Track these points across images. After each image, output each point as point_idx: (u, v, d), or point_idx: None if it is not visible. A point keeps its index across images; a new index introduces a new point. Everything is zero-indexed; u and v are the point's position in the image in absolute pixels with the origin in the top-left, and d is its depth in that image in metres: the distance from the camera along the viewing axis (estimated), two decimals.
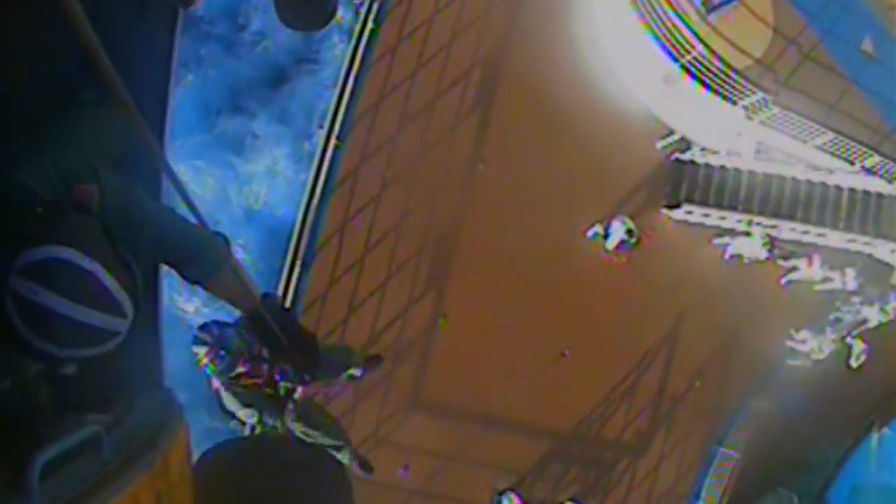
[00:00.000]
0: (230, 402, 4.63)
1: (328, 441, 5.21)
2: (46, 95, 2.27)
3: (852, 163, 9.95)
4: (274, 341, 2.98)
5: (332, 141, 9.61)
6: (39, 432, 1.66)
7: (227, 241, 2.52)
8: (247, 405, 4.63)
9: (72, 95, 2.27)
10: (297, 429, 4.95)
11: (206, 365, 4.48)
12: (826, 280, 10.57)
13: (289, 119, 13.04)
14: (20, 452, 1.52)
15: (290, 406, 4.59)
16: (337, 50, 12.46)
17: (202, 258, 2.39)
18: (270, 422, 4.68)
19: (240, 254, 11.63)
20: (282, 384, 4.46)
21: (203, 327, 4.60)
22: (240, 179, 13.17)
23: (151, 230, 2.20)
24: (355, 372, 4.74)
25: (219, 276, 2.46)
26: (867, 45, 10.28)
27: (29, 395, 1.87)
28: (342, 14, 11.30)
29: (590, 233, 10.09)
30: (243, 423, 4.88)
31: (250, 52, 13.25)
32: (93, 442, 1.72)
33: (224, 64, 13.10)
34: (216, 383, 4.67)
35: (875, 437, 12.23)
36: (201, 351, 4.48)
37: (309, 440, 5.00)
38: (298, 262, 9.64)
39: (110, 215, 1.98)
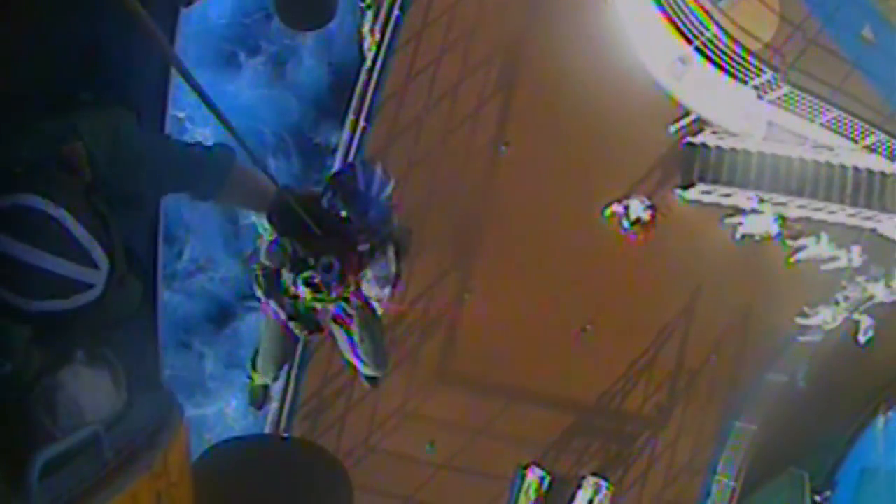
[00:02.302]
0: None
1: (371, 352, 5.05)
2: (44, 97, 2.20)
3: (856, 141, 10.42)
4: (306, 232, 3.01)
5: (361, 123, 9.94)
6: (39, 432, 1.66)
7: (226, 148, 2.52)
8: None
9: (70, 97, 2.22)
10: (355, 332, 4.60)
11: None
12: (833, 258, 10.99)
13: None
14: (20, 452, 1.50)
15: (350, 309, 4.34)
16: None
17: (205, 174, 2.39)
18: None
19: None
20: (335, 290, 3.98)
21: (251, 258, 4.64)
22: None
23: (148, 164, 2.17)
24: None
25: (226, 186, 2.47)
26: (867, 32, 10.82)
27: (27, 375, 1.80)
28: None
29: (609, 211, 10.46)
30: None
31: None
32: (93, 442, 1.69)
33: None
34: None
35: (881, 419, 12.56)
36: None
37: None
38: None
39: (102, 164, 1.96)
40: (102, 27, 2.22)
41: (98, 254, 1.74)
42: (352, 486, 2.96)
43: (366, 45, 10.68)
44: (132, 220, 2.18)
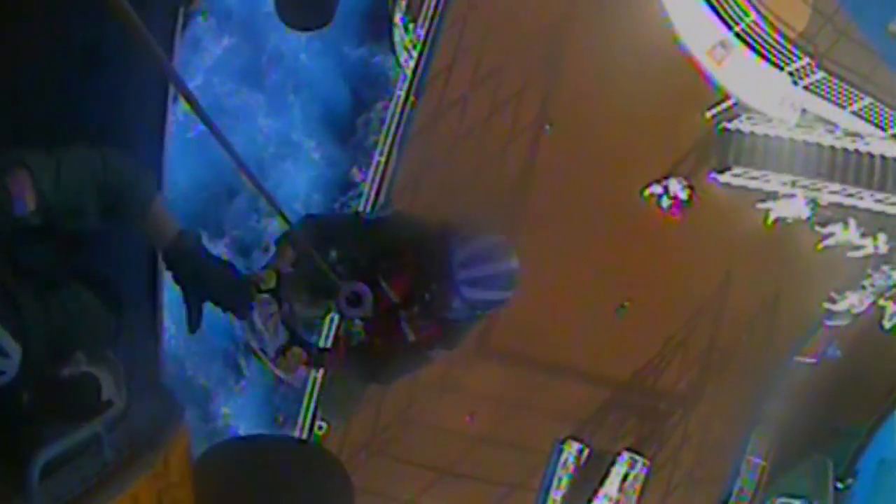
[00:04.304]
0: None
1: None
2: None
3: (885, 129, 10.81)
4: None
5: (411, 98, 10.23)
6: (39, 432, 1.64)
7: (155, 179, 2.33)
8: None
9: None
10: None
11: None
12: (859, 246, 11.33)
13: None
14: (20, 452, 1.50)
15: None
16: None
17: (134, 196, 2.13)
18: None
19: None
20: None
21: None
22: None
23: (88, 185, 1.99)
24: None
25: (149, 213, 2.19)
26: (894, 26, 11.26)
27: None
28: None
29: (647, 192, 10.76)
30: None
31: None
32: (93, 442, 1.70)
33: None
34: None
35: None
36: None
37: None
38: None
39: (48, 192, 1.81)
40: (102, 26, 2.23)
41: (6, 341, 1.61)
42: (353, 487, 2.94)
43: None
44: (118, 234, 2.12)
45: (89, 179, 1.93)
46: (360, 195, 10.31)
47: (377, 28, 13.50)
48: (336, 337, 3.80)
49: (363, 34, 14.02)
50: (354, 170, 13.85)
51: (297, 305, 3.33)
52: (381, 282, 3.13)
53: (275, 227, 13.22)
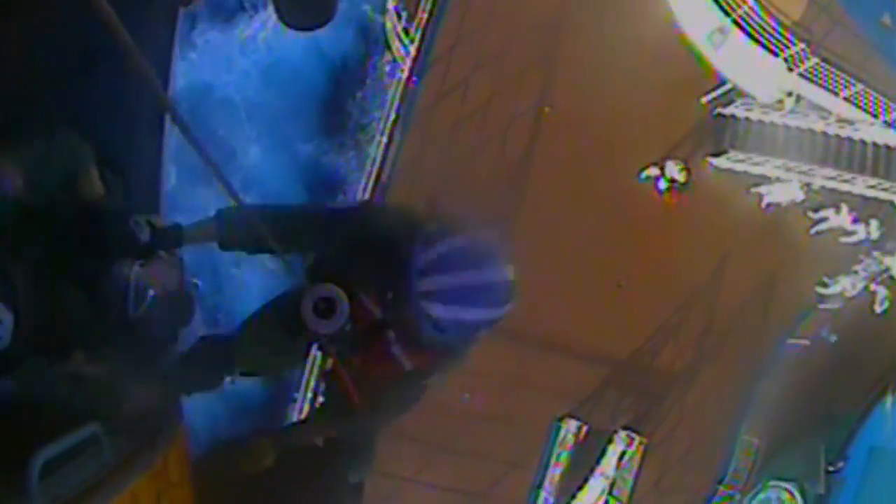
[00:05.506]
0: None
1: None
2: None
3: (877, 116, 11.06)
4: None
5: (412, 78, 10.41)
6: (39, 432, 1.65)
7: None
8: None
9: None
10: None
11: None
12: (851, 231, 11.56)
13: None
14: (20, 452, 1.50)
15: None
16: None
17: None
18: None
19: None
20: None
21: None
22: None
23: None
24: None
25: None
26: (886, 18, 11.54)
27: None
28: None
29: (645, 174, 10.96)
30: None
31: None
32: (93, 442, 1.70)
33: None
34: None
35: (890, 399, 12.98)
36: None
37: None
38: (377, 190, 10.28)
39: (35, 170, 2.01)
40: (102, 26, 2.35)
41: None
42: (352, 488, 2.90)
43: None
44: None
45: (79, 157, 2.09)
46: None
47: (331, 121, 13.27)
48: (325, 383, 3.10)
49: (316, 128, 13.49)
50: None
51: (260, 352, 2.91)
52: (357, 291, 2.44)
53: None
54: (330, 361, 2.80)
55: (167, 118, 2.70)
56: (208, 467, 2.51)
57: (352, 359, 2.62)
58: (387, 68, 13.13)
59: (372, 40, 13.63)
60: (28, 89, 2.34)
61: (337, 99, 13.53)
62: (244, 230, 2.56)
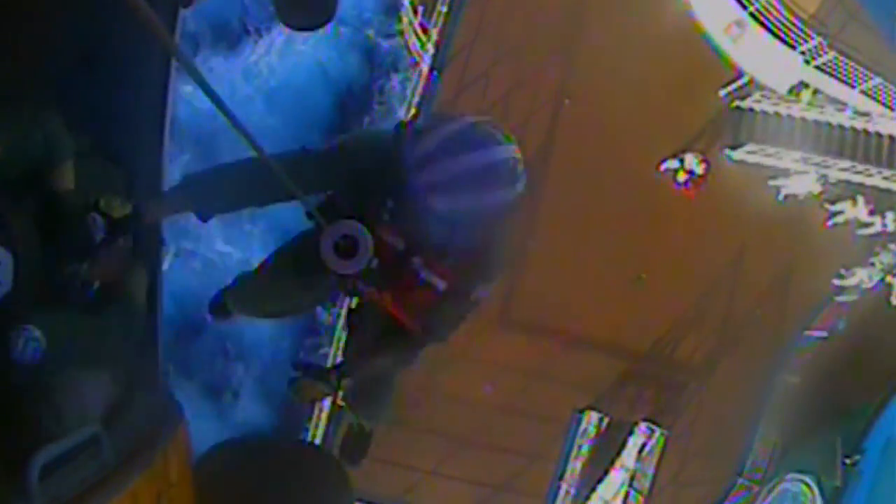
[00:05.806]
0: None
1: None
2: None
3: (893, 108, 11.13)
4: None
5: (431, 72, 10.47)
6: (39, 432, 1.66)
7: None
8: None
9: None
10: None
11: None
12: (868, 223, 11.63)
13: None
14: (20, 452, 1.50)
15: None
16: None
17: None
18: None
19: None
20: None
21: None
22: None
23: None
24: None
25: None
26: None
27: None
28: None
29: (663, 166, 11.02)
30: None
31: None
32: (93, 442, 1.70)
33: None
34: None
35: None
36: None
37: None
38: None
39: (17, 140, 2.07)
40: (102, 26, 2.32)
41: None
42: (353, 489, 2.91)
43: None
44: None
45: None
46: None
47: None
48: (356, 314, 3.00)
49: None
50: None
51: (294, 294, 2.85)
52: (372, 225, 2.36)
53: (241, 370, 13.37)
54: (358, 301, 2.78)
55: (167, 120, 2.72)
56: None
57: (384, 295, 2.55)
58: (395, 90, 13.24)
59: (377, 64, 13.75)
60: (25, 72, 2.38)
61: (343, 124, 13.63)
62: (220, 192, 2.51)
